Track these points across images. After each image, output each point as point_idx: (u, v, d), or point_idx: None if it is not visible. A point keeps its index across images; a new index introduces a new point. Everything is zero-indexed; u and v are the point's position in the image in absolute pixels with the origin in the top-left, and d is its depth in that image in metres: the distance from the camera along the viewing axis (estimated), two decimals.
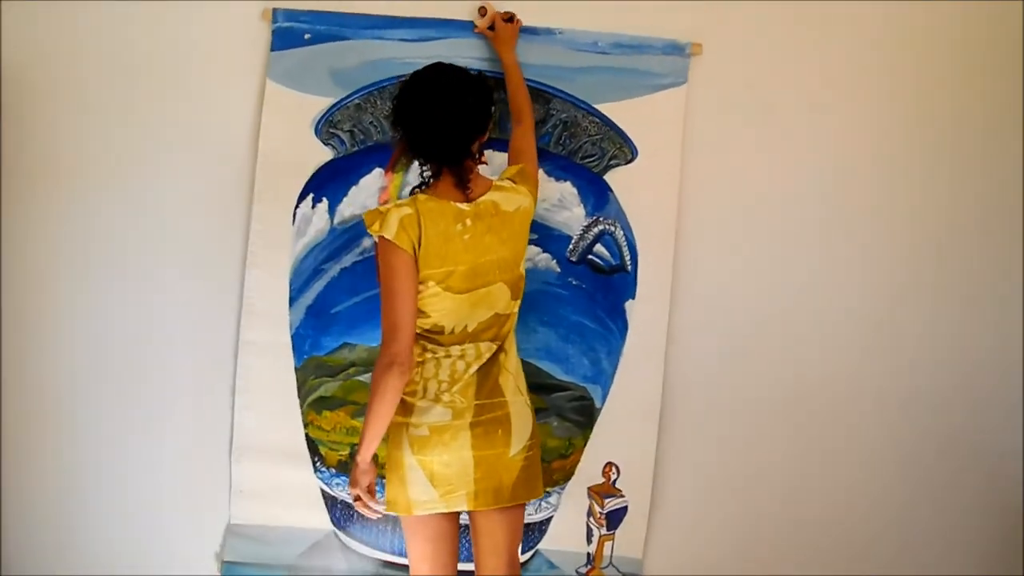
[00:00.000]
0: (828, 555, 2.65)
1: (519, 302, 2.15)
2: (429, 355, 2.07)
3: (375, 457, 2.05)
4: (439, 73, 2.05)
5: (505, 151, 2.49)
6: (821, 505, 2.65)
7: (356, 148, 2.56)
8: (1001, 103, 2.61)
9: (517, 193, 2.13)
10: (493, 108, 2.11)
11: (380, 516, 2.13)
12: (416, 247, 1.98)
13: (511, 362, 2.14)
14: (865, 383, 2.63)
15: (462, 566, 2.22)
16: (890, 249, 2.62)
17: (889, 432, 2.64)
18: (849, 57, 2.58)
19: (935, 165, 2.61)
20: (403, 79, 2.12)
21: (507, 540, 2.12)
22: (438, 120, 2.00)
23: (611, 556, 2.56)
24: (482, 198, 2.07)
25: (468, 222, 2.02)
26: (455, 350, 2.06)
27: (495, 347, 2.09)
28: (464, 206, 2.04)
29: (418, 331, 2.04)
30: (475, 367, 2.06)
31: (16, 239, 2.58)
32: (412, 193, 2.10)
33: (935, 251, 2.63)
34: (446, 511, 2.07)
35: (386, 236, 1.97)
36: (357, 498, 2.07)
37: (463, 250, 2.02)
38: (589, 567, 2.56)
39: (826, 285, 2.61)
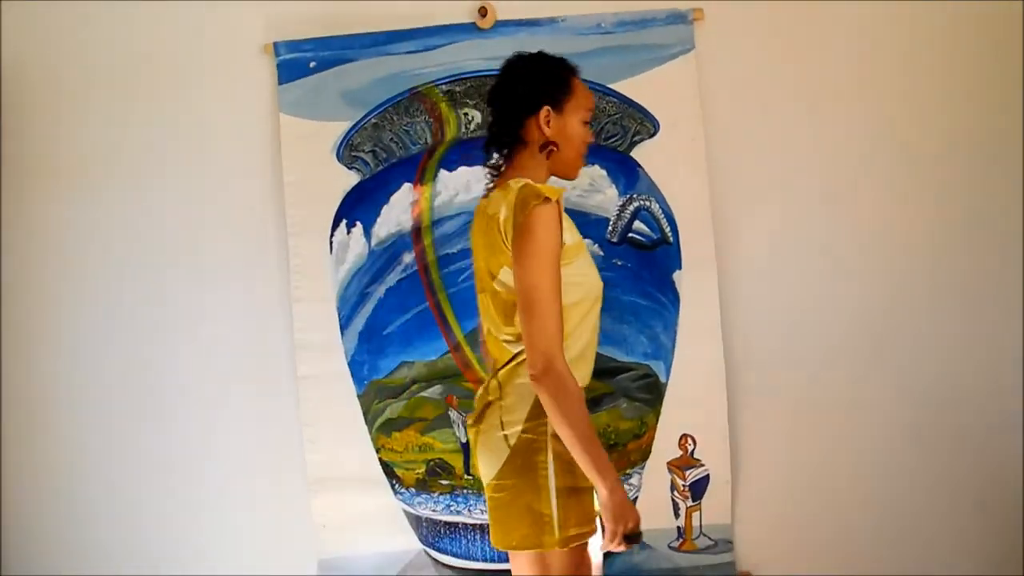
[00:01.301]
0: (829, 554, 2.61)
1: (515, 331, 1.81)
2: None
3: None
4: (511, 58, 1.90)
5: None
6: (821, 504, 2.62)
7: (380, 167, 2.55)
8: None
9: (504, 200, 1.80)
10: (546, 85, 1.84)
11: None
12: None
13: (505, 393, 1.84)
14: (867, 382, 2.61)
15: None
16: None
17: (889, 430, 2.61)
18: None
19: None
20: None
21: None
22: (488, 102, 1.92)
23: (701, 526, 2.57)
24: (492, 192, 1.89)
25: (475, 218, 1.95)
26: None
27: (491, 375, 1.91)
28: (483, 200, 1.92)
29: None
30: (480, 390, 1.92)
31: (16, 239, 2.58)
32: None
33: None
34: None
35: None
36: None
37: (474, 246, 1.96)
38: (681, 540, 2.56)
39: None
